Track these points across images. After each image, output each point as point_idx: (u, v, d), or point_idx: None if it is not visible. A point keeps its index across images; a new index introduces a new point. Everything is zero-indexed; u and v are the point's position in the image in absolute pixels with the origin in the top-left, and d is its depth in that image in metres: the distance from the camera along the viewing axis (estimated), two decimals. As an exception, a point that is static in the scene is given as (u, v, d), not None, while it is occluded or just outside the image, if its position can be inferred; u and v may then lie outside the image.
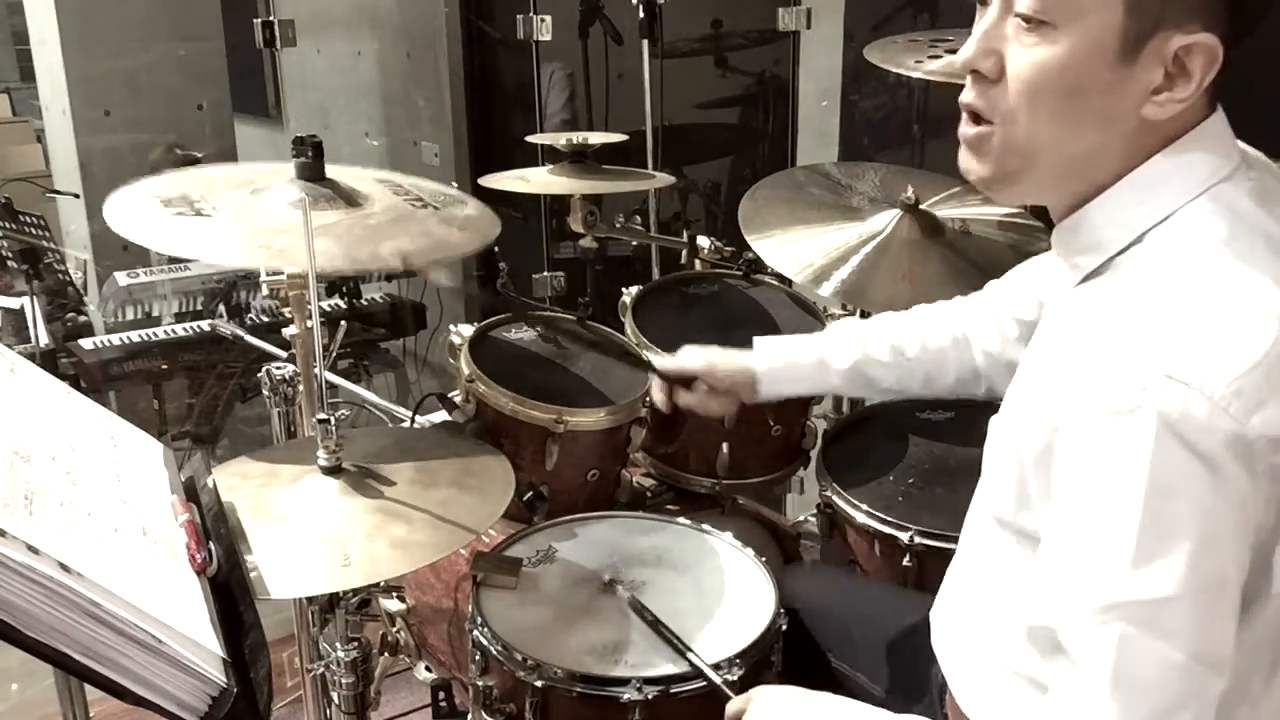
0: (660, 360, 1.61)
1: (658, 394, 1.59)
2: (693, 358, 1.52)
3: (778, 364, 1.48)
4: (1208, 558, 0.82)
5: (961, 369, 1.40)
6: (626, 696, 1.25)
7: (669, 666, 1.29)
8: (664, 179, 2.18)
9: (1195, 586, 0.82)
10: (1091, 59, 0.89)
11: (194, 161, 3.80)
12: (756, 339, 1.51)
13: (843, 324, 1.54)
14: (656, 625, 1.35)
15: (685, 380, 1.54)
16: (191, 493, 1.19)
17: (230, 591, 1.04)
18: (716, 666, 1.27)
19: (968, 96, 0.97)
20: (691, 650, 1.30)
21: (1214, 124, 0.94)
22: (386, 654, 1.66)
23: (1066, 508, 0.88)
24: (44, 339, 2.91)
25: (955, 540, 1.54)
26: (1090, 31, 0.88)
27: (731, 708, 1.20)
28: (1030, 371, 1.01)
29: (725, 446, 1.83)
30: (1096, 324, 0.89)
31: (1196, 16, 0.87)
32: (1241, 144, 0.97)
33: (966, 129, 0.98)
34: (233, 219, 1.45)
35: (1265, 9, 0.90)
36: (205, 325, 3.14)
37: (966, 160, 0.99)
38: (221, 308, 3.29)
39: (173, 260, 3.37)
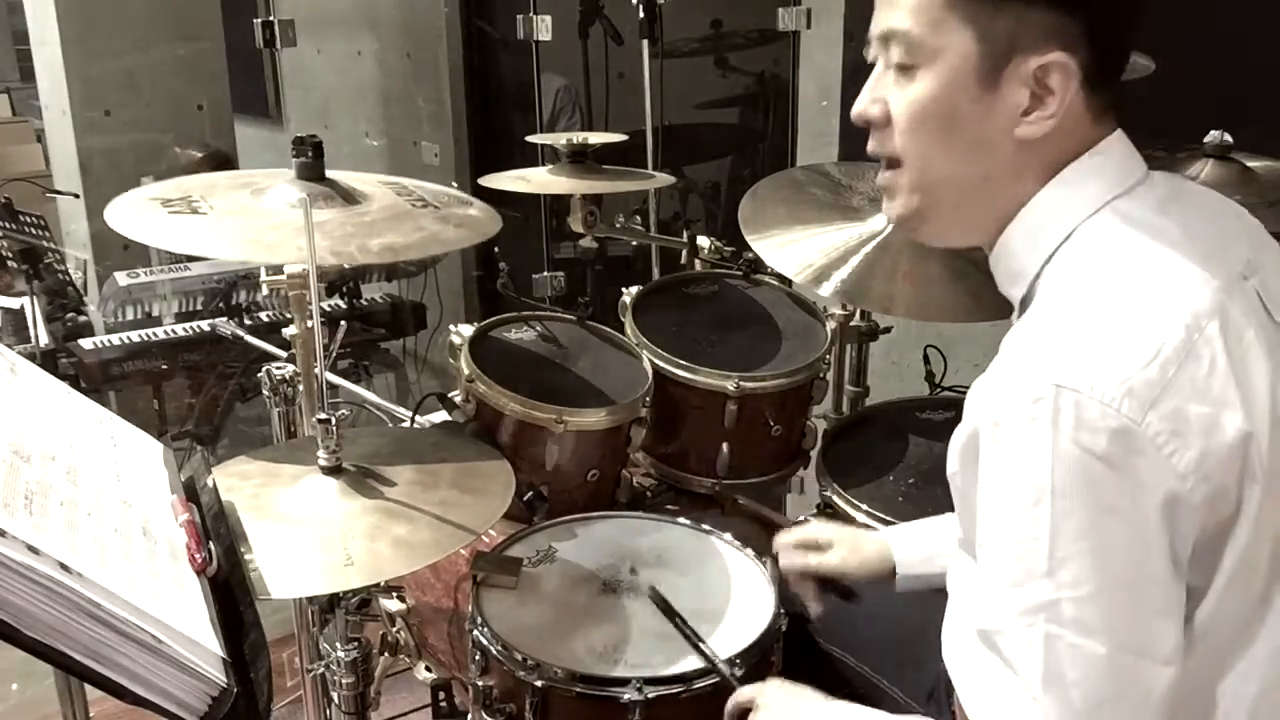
0: (790, 555, 1.44)
1: (769, 572, 1.46)
2: (829, 555, 1.41)
3: (919, 563, 1.36)
4: (1122, 553, 0.85)
5: None
6: (626, 696, 1.25)
7: (669, 667, 1.29)
8: (664, 179, 2.17)
9: (1113, 581, 0.85)
10: (956, 88, 0.96)
11: (218, 159, 3.81)
12: (887, 534, 1.42)
13: None
14: (674, 617, 1.36)
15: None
16: (191, 493, 1.19)
17: (230, 591, 1.04)
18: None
19: (871, 144, 1.05)
20: (704, 642, 1.30)
21: (1110, 144, 0.99)
22: (386, 654, 1.66)
23: (985, 519, 0.92)
24: (44, 339, 2.91)
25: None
26: (949, 65, 0.96)
27: (739, 696, 1.21)
28: None
29: (725, 446, 1.83)
30: (1006, 350, 0.94)
31: (1051, 39, 0.93)
32: (1154, 171, 1.02)
33: (881, 175, 1.06)
34: (229, 216, 1.45)
35: (1122, 37, 0.96)
36: (205, 325, 3.14)
37: (885, 204, 1.08)
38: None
39: (173, 260, 3.38)
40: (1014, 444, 0.87)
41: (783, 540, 1.46)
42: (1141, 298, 0.89)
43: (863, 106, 1.03)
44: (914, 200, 1.03)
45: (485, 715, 1.36)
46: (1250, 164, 1.81)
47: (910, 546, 1.38)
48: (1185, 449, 0.84)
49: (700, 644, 1.31)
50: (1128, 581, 0.86)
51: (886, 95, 1.01)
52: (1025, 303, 1.02)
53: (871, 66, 1.04)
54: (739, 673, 1.27)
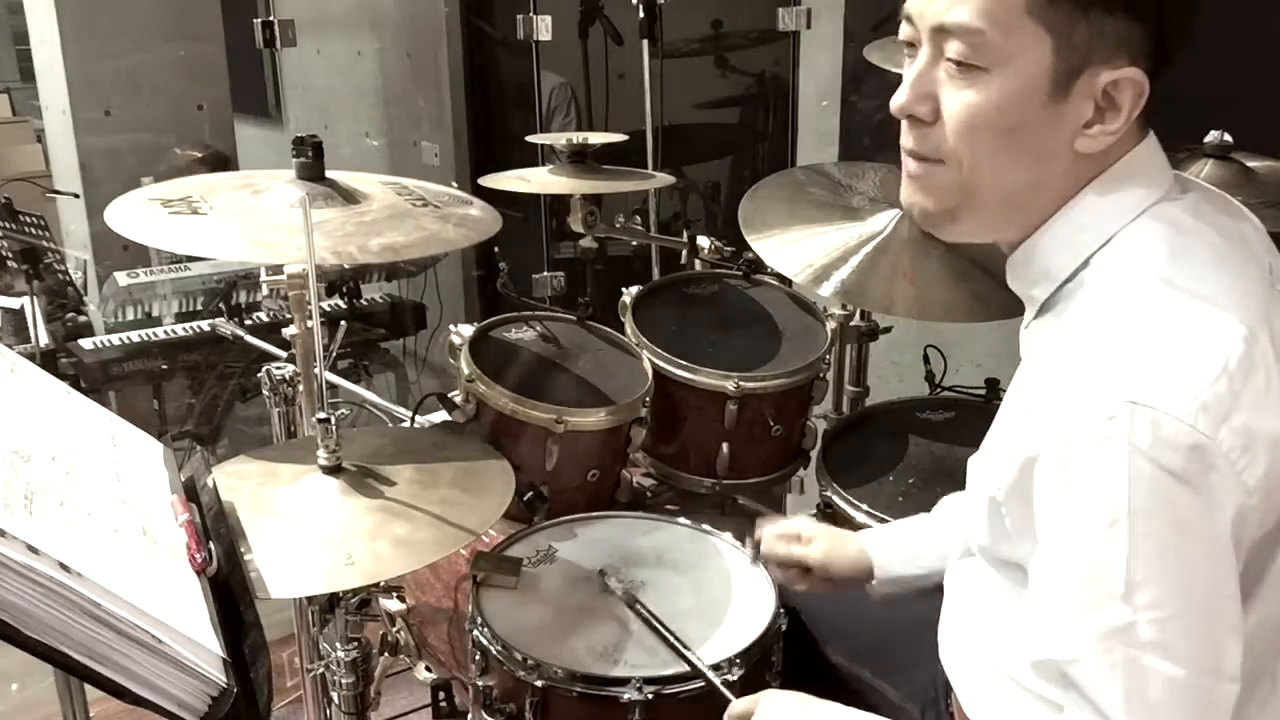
0: (772, 544, 1.44)
1: (749, 554, 1.48)
2: (812, 547, 1.40)
3: (898, 564, 1.35)
4: (1199, 572, 0.84)
5: None
6: (626, 696, 1.24)
7: (669, 667, 1.29)
8: (664, 179, 2.17)
9: (1191, 602, 0.84)
10: (1025, 98, 0.91)
11: (215, 158, 3.81)
12: (865, 534, 1.41)
13: (952, 504, 1.36)
14: (652, 623, 1.34)
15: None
16: (191, 493, 1.19)
17: (230, 591, 1.04)
18: (716, 667, 1.27)
19: (907, 142, 0.99)
20: (690, 650, 1.29)
21: (1146, 148, 0.97)
22: (386, 654, 1.66)
23: (1053, 543, 0.89)
24: (44, 339, 2.92)
25: (955, 541, 1.55)
26: (1021, 73, 0.91)
27: (735, 709, 1.20)
28: (1003, 412, 1.03)
29: (725, 446, 1.83)
30: (1057, 358, 0.91)
31: (1122, 51, 0.90)
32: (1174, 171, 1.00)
33: (911, 165, 1.00)
34: (229, 216, 1.45)
35: (1183, 43, 0.93)
36: (205, 325, 3.14)
37: (910, 195, 1.02)
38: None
39: (173, 260, 3.38)
40: (1087, 463, 0.84)
41: (767, 530, 1.45)
42: (1201, 309, 0.87)
43: (905, 101, 0.96)
44: (950, 199, 0.98)
45: (485, 715, 1.36)
46: (1250, 164, 1.81)
47: (888, 549, 1.36)
48: (1254, 464, 0.83)
49: (687, 652, 1.28)
50: (1204, 601, 0.84)
51: (938, 92, 0.95)
52: (1048, 305, 0.99)
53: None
54: (734, 677, 1.26)
